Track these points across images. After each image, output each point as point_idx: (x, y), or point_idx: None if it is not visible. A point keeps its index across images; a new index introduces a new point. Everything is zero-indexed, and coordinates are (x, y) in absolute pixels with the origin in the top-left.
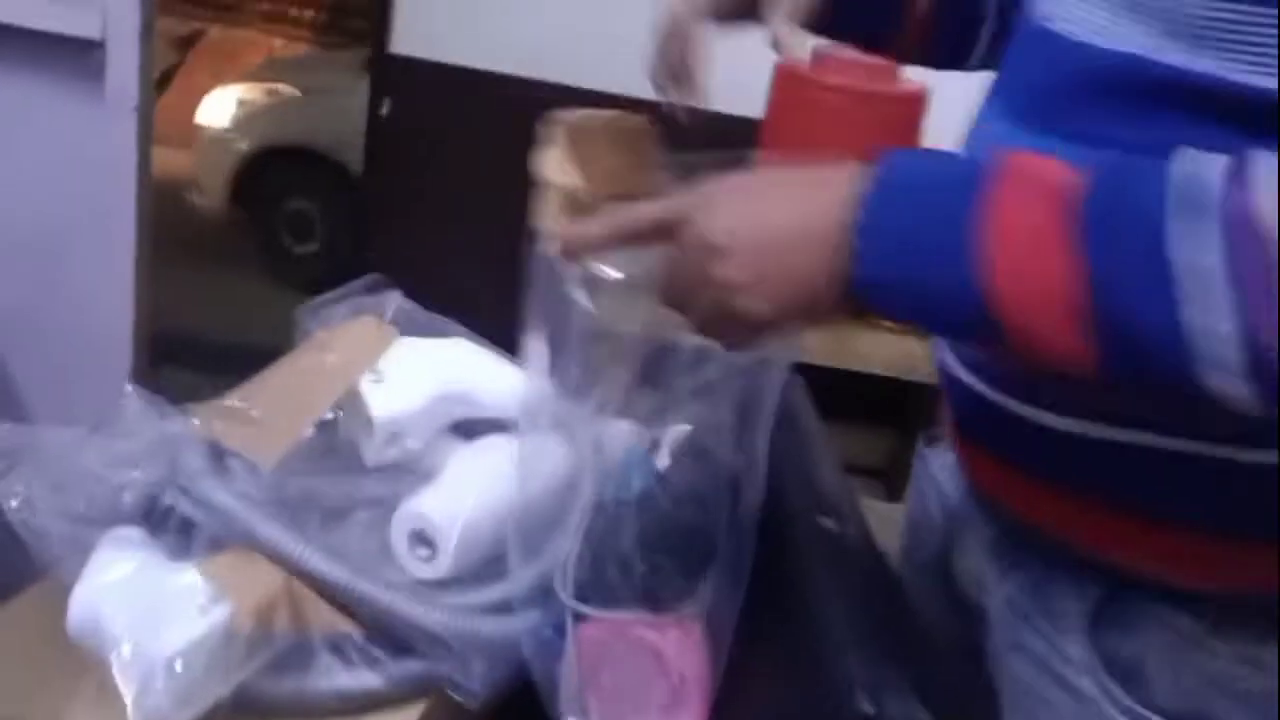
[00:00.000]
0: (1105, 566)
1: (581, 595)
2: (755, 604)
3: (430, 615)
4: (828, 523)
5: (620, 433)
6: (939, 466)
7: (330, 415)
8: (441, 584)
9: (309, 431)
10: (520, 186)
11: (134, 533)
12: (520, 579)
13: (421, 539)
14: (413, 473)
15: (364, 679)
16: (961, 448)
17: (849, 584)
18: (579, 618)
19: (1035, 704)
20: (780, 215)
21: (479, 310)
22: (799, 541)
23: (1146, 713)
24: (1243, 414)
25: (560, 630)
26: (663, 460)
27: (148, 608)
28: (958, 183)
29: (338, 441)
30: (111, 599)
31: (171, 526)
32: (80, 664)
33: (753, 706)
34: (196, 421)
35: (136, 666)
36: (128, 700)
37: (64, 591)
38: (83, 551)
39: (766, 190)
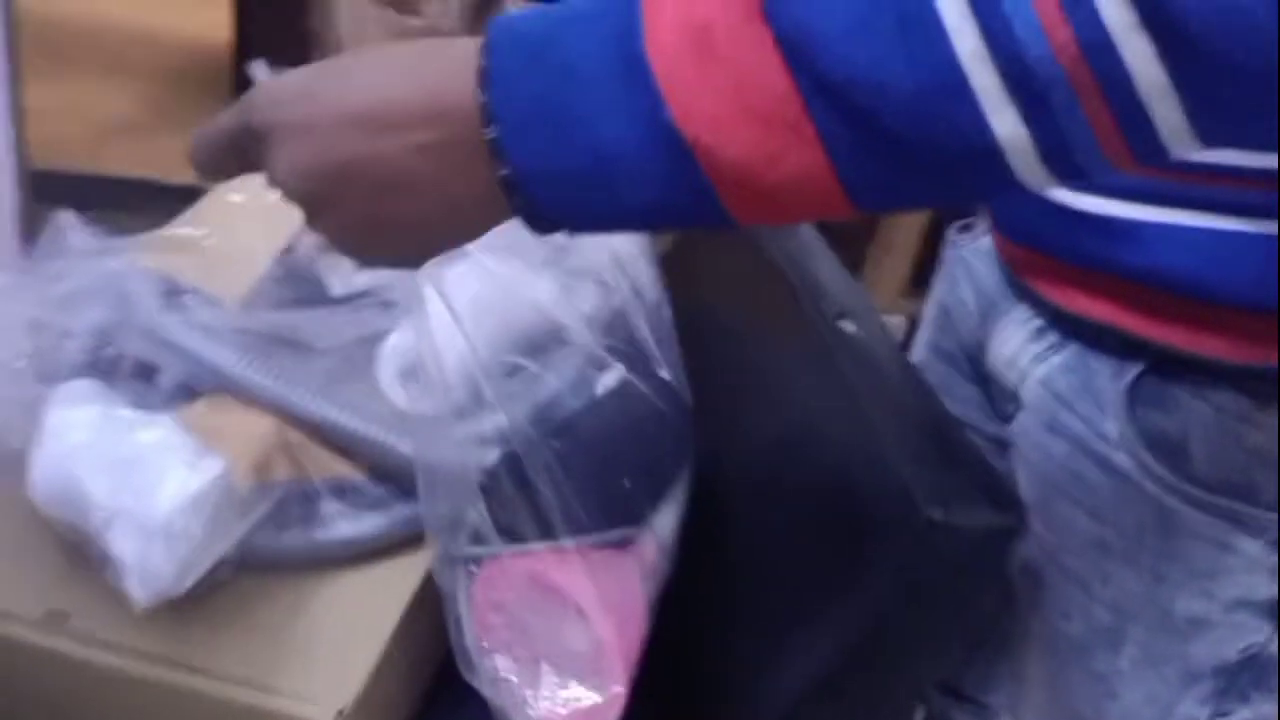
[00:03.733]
0: (1147, 347)
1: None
2: (790, 416)
3: (437, 451)
4: (849, 326)
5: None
6: (972, 252)
7: (290, 241)
8: (438, 418)
9: (269, 261)
10: None
11: (87, 385)
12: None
13: (412, 372)
14: (386, 301)
15: (371, 523)
16: (1000, 239)
17: (885, 388)
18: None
19: (1072, 485)
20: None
21: None
22: (828, 348)
23: (1187, 486)
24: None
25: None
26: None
27: (129, 468)
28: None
29: (299, 270)
30: (84, 462)
31: (125, 375)
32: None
33: (803, 528)
34: (143, 256)
35: (129, 534)
36: (126, 573)
37: (15, 459)
38: (28, 411)
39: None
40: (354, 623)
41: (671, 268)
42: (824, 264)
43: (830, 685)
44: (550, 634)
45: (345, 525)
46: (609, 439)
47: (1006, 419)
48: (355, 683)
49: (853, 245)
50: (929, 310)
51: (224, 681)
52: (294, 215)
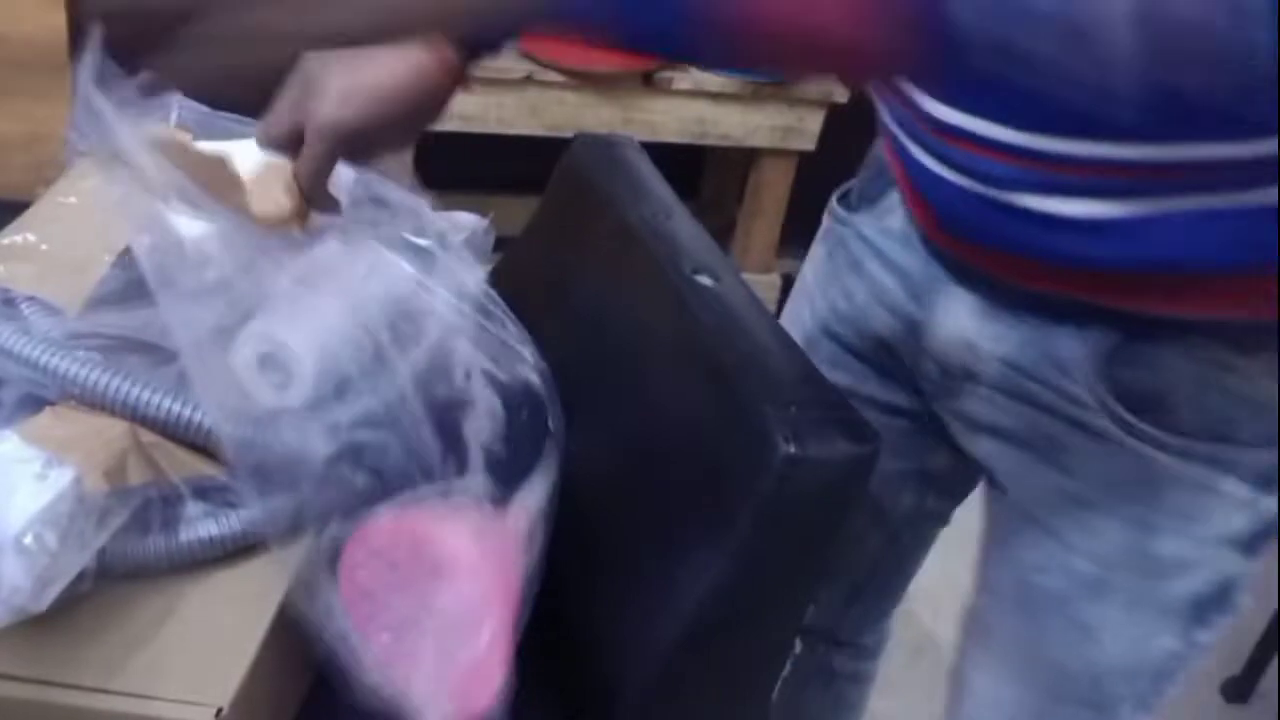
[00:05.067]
0: (1119, 315)
1: None
2: (651, 371)
3: (301, 441)
4: (705, 279)
5: (460, 222)
6: (879, 233)
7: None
8: (300, 410)
9: (107, 263)
10: None
11: None
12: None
13: (272, 363)
14: (234, 295)
15: (235, 521)
16: (937, 232)
17: (742, 338)
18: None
19: (1045, 447)
20: None
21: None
22: (685, 301)
23: (1169, 437)
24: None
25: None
26: None
27: None
28: None
29: (139, 270)
30: None
31: None
32: None
33: (667, 478)
34: None
35: None
36: None
37: None
38: None
39: None
40: (227, 622)
41: (536, 235)
42: (682, 225)
43: (703, 630)
44: (424, 599)
45: (209, 525)
46: (473, 414)
47: (950, 393)
48: (233, 680)
49: (722, 209)
50: (809, 284)
51: (98, 693)
52: (130, 214)
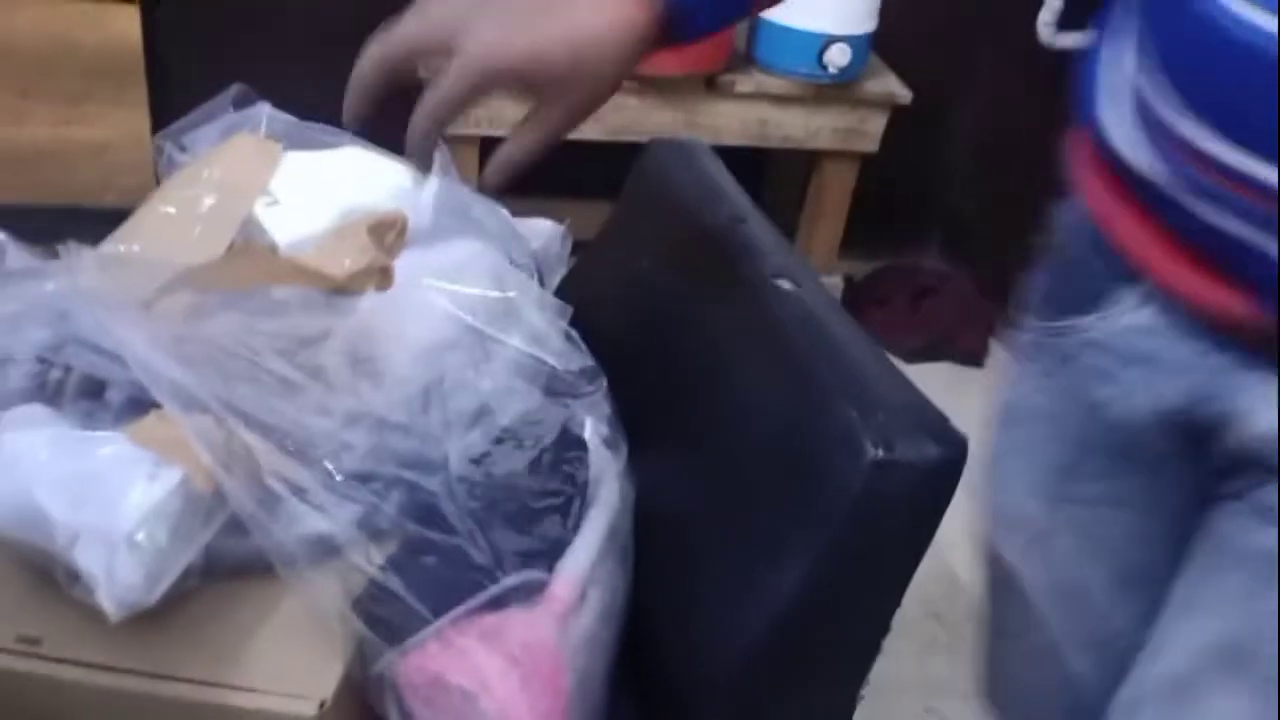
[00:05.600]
0: None
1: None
2: (733, 375)
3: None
4: (784, 284)
5: (538, 230)
6: (1118, 333)
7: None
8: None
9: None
10: None
11: (37, 409)
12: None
13: (367, 369)
14: (330, 304)
15: (331, 521)
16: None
17: (824, 340)
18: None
19: None
20: None
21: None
22: (767, 304)
23: None
24: None
25: None
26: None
27: (89, 484)
28: None
29: None
30: (42, 483)
31: (72, 396)
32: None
33: (753, 482)
34: (81, 275)
35: (97, 549)
36: (96, 588)
37: None
38: None
39: None
40: (324, 620)
41: (611, 239)
42: (760, 230)
43: (788, 632)
44: None
45: (306, 524)
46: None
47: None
48: (334, 674)
49: (784, 212)
50: (1027, 409)
51: (203, 686)
52: (229, 220)
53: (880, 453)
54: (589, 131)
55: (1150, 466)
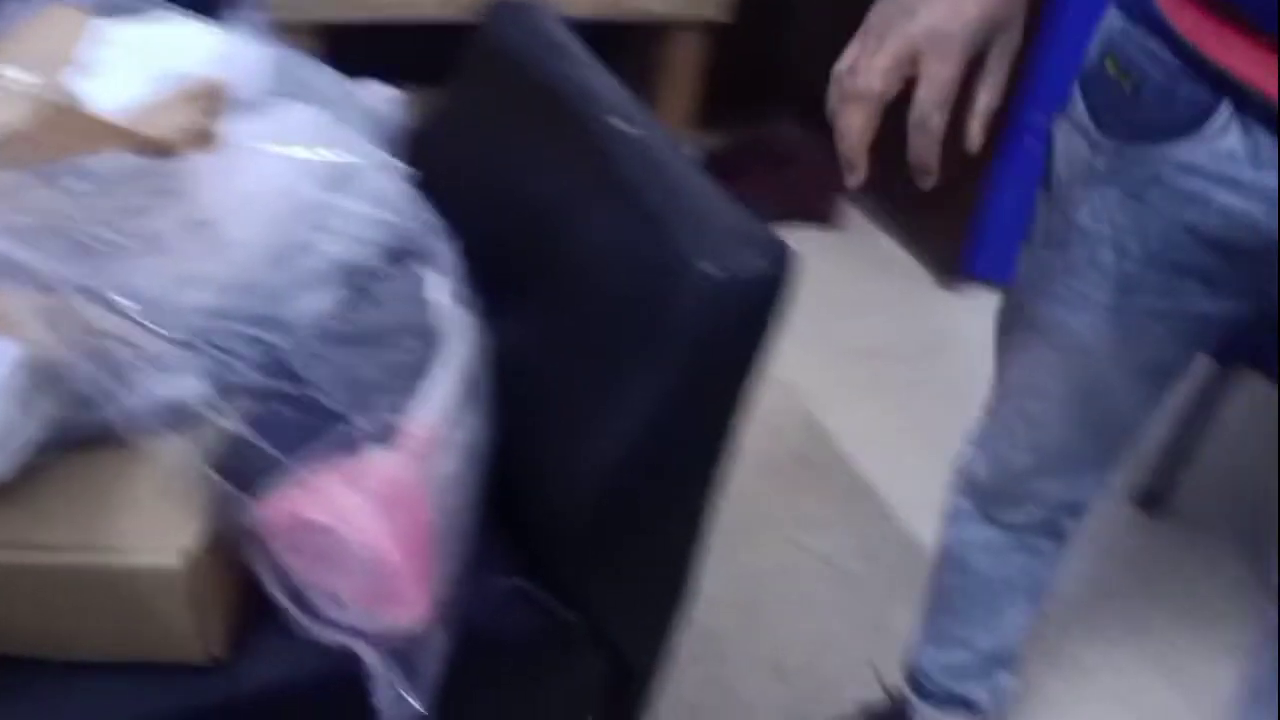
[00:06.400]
0: None
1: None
2: (576, 219)
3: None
4: (619, 123)
5: (378, 95)
6: (1209, 157)
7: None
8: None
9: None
10: None
11: None
12: None
13: (205, 234)
14: (156, 172)
15: (181, 386)
16: None
17: (659, 175)
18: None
19: None
20: None
21: None
22: (604, 145)
23: None
24: None
25: None
26: None
27: None
28: None
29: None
30: None
31: None
32: None
33: (601, 316)
34: None
35: None
36: None
37: None
38: None
39: None
40: (184, 476)
41: (453, 105)
42: (598, 76)
43: (640, 449)
44: (335, 564)
45: (156, 388)
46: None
47: None
48: (195, 527)
49: (640, 87)
50: (1103, 229)
51: (65, 551)
52: (33, 90)
53: (712, 269)
54: (431, 10)
55: (1206, 280)
